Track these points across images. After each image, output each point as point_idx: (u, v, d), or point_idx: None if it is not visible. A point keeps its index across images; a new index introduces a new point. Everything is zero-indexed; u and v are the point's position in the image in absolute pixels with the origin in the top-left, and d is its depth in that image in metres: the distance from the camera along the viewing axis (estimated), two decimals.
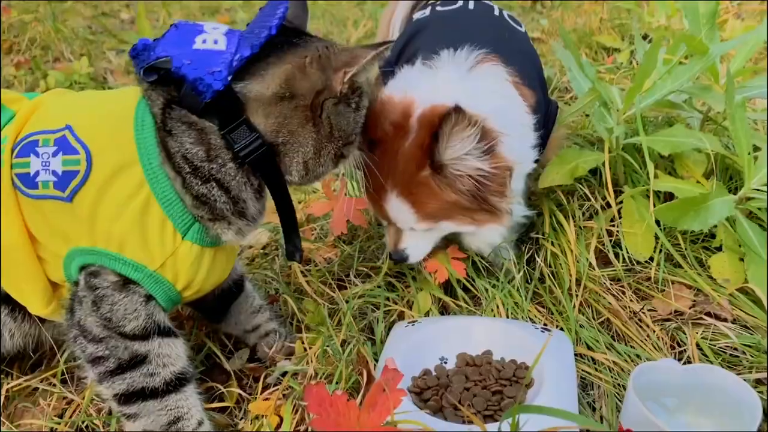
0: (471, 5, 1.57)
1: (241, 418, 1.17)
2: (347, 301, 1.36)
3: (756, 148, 1.41)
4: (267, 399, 1.16)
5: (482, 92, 1.29)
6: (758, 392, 1.05)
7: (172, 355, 1.05)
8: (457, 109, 1.12)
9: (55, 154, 0.99)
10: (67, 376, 1.25)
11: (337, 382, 1.13)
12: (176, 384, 1.05)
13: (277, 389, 1.19)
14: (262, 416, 1.11)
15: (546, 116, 1.44)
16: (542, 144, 1.42)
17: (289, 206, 1.10)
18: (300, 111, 1.01)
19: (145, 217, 0.99)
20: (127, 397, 1.03)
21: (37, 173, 0.99)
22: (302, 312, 1.38)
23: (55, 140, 1.00)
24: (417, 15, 1.64)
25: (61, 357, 1.24)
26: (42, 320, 1.16)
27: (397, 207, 1.28)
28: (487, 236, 1.39)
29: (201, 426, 1.07)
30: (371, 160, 1.21)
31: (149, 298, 1.03)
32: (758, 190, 1.36)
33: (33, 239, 1.04)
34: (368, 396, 0.89)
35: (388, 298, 1.40)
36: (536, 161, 1.44)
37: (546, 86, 1.63)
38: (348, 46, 1.08)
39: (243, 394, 1.23)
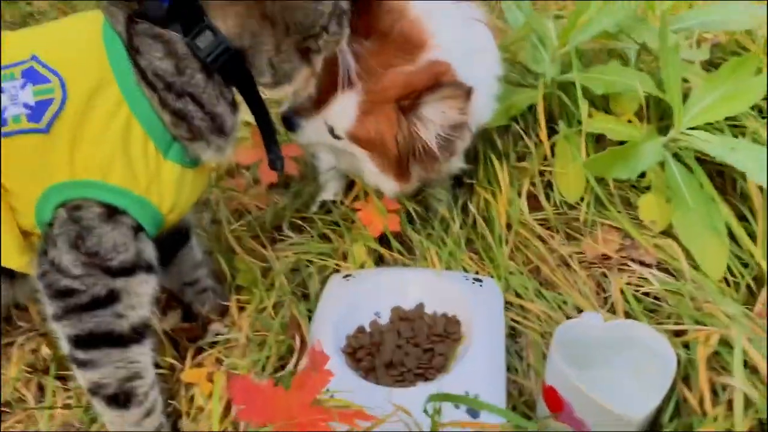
0: None
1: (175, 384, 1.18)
2: (279, 259, 1.34)
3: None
4: (199, 365, 1.16)
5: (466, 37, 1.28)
6: (681, 341, 1.11)
7: (143, 295, 1.02)
8: (469, 92, 1.13)
9: (23, 86, 0.92)
10: None
11: (269, 349, 1.13)
12: (141, 333, 1.03)
13: (210, 354, 1.19)
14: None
15: None
16: None
17: (266, 114, 1.07)
18: (253, 8, 0.97)
19: (127, 138, 0.95)
20: (88, 341, 1.00)
21: (5, 109, 0.92)
22: (234, 269, 1.36)
23: (22, 72, 0.93)
24: None
25: None
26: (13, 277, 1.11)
27: (346, 106, 1.22)
28: (381, 184, 1.34)
29: (153, 389, 1.06)
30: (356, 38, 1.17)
31: (137, 229, 1.00)
32: (686, 133, 1.37)
33: (2, 188, 0.97)
34: (295, 378, 0.90)
35: (322, 253, 1.39)
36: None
37: None
38: None
39: (175, 362, 1.23)
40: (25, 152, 0.93)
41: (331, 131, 1.27)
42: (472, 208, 1.47)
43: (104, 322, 0.99)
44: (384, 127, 1.21)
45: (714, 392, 1.02)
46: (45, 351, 1.20)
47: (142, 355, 1.03)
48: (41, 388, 1.18)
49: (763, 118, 1.45)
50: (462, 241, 1.42)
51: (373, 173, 1.30)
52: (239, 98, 1.05)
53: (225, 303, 1.30)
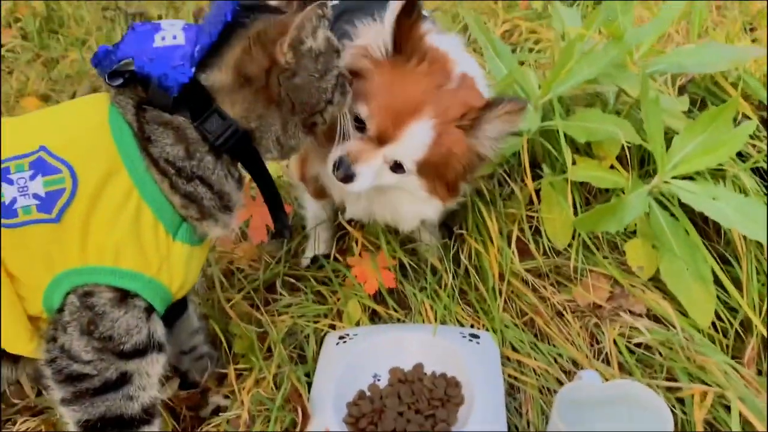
0: None
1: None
2: (275, 324, 1.34)
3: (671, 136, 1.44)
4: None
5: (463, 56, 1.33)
6: (675, 396, 1.13)
7: (154, 375, 1.03)
8: (525, 105, 1.20)
9: (33, 177, 0.92)
10: None
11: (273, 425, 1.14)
12: (151, 414, 1.04)
13: (210, 424, 1.19)
14: None
15: None
16: None
17: (272, 188, 1.11)
18: (260, 93, 1.00)
19: (137, 223, 0.96)
20: (98, 426, 0.99)
21: (14, 200, 0.91)
22: (229, 334, 1.35)
23: (30, 164, 0.93)
24: None
25: None
26: (16, 361, 1.09)
27: (420, 132, 1.19)
28: (425, 210, 1.34)
29: None
30: (394, 72, 1.20)
31: (149, 310, 1.00)
32: (669, 182, 1.40)
33: (10, 276, 0.96)
34: None
35: (317, 315, 1.39)
36: None
37: None
38: (283, 17, 1.03)
39: (176, 426, 1.23)
40: (35, 241, 0.93)
41: (396, 167, 1.23)
42: (463, 258, 1.48)
43: (115, 405, 0.99)
44: (452, 148, 1.22)
45: None
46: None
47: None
48: None
49: (743, 162, 1.49)
50: (456, 292, 1.43)
51: (419, 200, 1.30)
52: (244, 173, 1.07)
53: (223, 371, 1.30)
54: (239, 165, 1.06)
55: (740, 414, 1.03)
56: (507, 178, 1.62)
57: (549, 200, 1.53)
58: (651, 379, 1.20)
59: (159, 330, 1.03)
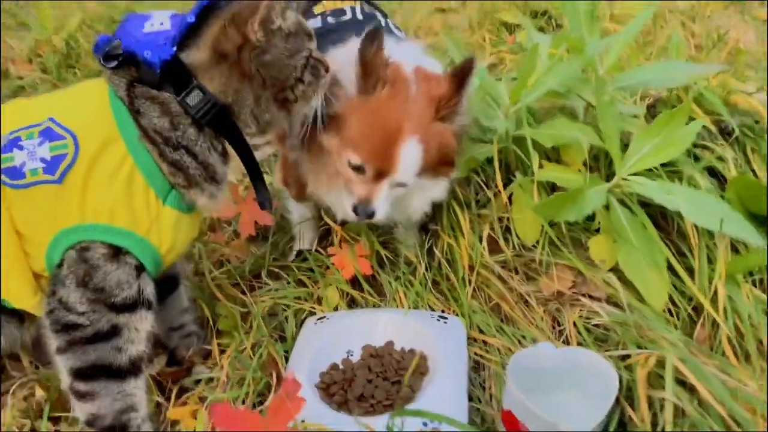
0: (359, 16, 1.63)
1: (162, 422, 1.25)
2: (257, 304, 1.44)
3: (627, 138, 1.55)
4: (184, 404, 1.24)
5: (421, 57, 1.44)
6: (625, 365, 1.21)
7: (142, 331, 1.13)
8: (474, 59, 1.31)
9: (40, 144, 1.06)
10: None
11: (248, 385, 1.22)
12: (138, 367, 1.14)
13: (194, 394, 1.27)
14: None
15: None
16: None
17: (253, 161, 1.21)
18: (234, 68, 1.12)
19: (130, 187, 1.08)
20: (89, 373, 1.10)
21: (23, 164, 1.05)
22: (216, 315, 1.45)
23: (39, 132, 1.07)
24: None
25: None
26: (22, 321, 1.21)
27: (412, 151, 1.30)
28: (434, 194, 1.48)
29: (145, 424, 1.15)
30: (366, 107, 1.30)
31: (139, 269, 1.11)
32: (627, 179, 1.50)
33: (18, 234, 1.09)
34: (270, 406, 0.99)
35: (298, 297, 1.49)
36: None
37: None
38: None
39: (161, 400, 1.31)
40: (40, 201, 1.06)
41: (401, 184, 1.36)
42: (437, 252, 1.58)
43: (105, 355, 1.10)
44: (441, 142, 1.34)
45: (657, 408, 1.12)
46: (39, 394, 1.28)
47: (137, 389, 1.13)
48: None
49: (698, 162, 1.60)
50: (428, 282, 1.53)
51: (426, 189, 1.44)
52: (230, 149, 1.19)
53: (207, 347, 1.39)
54: (224, 141, 1.17)
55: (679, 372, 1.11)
56: (482, 184, 1.73)
57: (519, 202, 1.63)
58: (605, 352, 1.27)
59: (148, 289, 1.13)
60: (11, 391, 1.30)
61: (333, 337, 1.38)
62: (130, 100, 1.09)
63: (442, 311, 1.48)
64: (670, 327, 1.35)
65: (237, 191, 1.62)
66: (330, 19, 1.63)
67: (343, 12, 1.64)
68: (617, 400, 1.13)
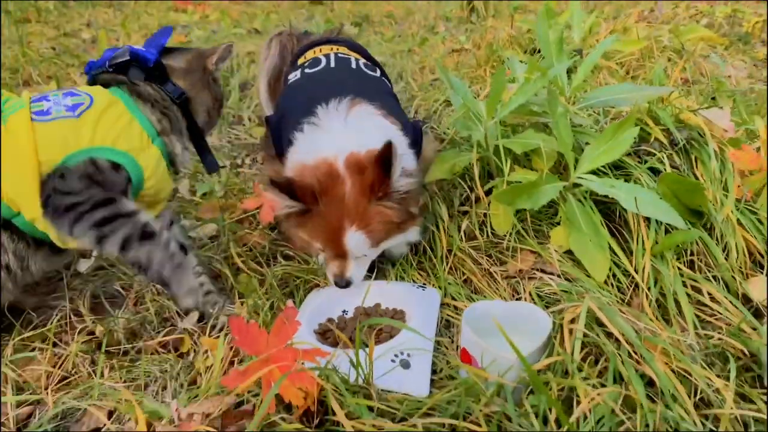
0: (332, 64, 1.98)
1: (195, 352, 1.59)
2: (272, 274, 1.78)
3: (582, 144, 1.87)
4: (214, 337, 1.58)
5: (367, 128, 1.65)
6: (559, 319, 1.50)
7: (132, 213, 1.57)
8: (392, 144, 1.47)
9: (64, 97, 1.59)
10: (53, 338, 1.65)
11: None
12: (151, 233, 1.58)
13: (219, 335, 1.60)
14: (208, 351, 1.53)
15: (415, 134, 1.82)
16: (417, 154, 1.81)
17: (200, 137, 1.84)
18: (198, 79, 1.80)
19: (130, 127, 1.61)
20: (125, 244, 1.55)
21: (49, 109, 1.54)
22: (238, 283, 1.79)
23: (63, 93, 1.61)
24: (290, 77, 2.04)
25: (53, 321, 1.64)
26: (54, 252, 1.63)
27: (356, 239, 1.57)
28: (409, 237, 1.74)
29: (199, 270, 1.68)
30: (317, 212, 1.55)
31: (128, 182, 1.59)
32: (581, 177, 1.81)
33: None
34: (274, 325, 1.31)
35: (304, 271, 1.83)
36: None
37: (404, 114, 2.00)
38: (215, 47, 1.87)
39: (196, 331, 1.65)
40: (59, 129, 1.52)
41: (364, 256, 1.66)
42: (422, 240, 1.90)
43: (119, 227, 1.54)
44: (385, 218, 1.58)
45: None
46: (99, 329, 1.63)
47: (161, 247, 1.59)
48: (93, 362, 1.59)
49: (643, 164, 1.90)
50: (414, 262, 1.85)
51: (399, 239, 1.70)
52: None
53: (231, 307, 1.73)
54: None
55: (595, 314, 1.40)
56: (466, 188, 2.06)
57: (495, 200, 1.95)
58: (547, 308, 1.57)
59: (129, 193, 1.61)
60: (76, 333, 1.65)
61: (330, 300, 1.70)
62: (128, 85, 1.69)
63: (423, 284, 1.79)
64: (608, 294, 1.64)
65: (258, 187, 1.97)
66: (307, 71, 1.98)
67: (318, 61, 1.99)
68: (551, 339, 1.42)
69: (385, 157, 1.50)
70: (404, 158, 1.61)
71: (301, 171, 1.61)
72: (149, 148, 1.62)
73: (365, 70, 2.01)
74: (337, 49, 2.07)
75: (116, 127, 1.57)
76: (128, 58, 1.68)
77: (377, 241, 1.61)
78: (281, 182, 1.53)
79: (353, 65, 2.01)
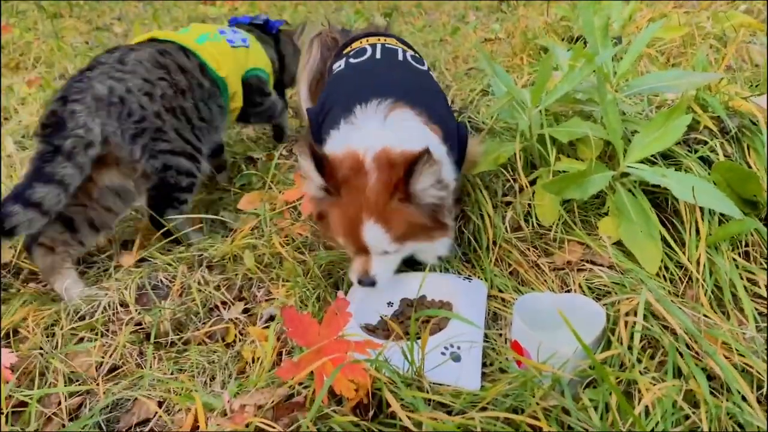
0: (378, 55, 1.94)
1: (242, 342, 1.58)
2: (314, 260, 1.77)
3: (628, 133, 1.82)
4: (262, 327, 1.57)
5: (404, 134, 1.60)
6: (614, 310, 1.46)
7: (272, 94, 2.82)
8: (428, 152, 1.42)
9: (233, 33, 2.54)
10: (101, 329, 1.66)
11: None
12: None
13: (268, 326, 1.60)
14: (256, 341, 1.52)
15: (459, 140, 1.77)
16: (459, 162, 1.77)
17: (283, 84, 2.99)
18: (289, 45, 2.93)
19: (264, 57, 2.69)
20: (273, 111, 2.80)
21: (232, 39, 2.49)
22: (282, 270, 1.79)
23: (232, 30, 2.57)
24: (335, 66, 2.00)
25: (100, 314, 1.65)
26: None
27: (374, 231, 1.52)
28: (438, 249, 1.69)
29: None
30: (339, 203, 1.53)
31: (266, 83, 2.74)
32: (631, 166, 1.77)
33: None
34: (325, 317, 1.30)
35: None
36: (456, 178, 1.75)
37: (452, 114, 1.94)
38: None
39: (239, 335, 1.64)
40: (238, 55, 2.46)
41: (388, 253, 1.59)
42: (466, 232, 1.87)
43: (275, 99, 2.82)
44: (406, 219, 1.53)
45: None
46: (147, 320, 1.63)
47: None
48: (141, 353, 1.59)
49: (693, 153, 1.85)
50: (458, 253, 1.82)
51: (429, 246, 1.65)
52: None
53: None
54: None
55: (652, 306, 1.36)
56: (510, 178, 2.02)
57: (540, 190, 1.91)
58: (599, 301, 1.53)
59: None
60: (123, 324, 1.66)
61: (376, 291, 1.68)
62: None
63: (468, 276, 1.76)
64: (661, 286, 1.59)
65: (300, 178, 1.95)
66: (352, 60, 1.94)
67: (364, 51, 1.96)
68: (605, 332, 1.38)
69: (414, 162, 1.45)
70: (443, 168, 1.56)
71: (333, 158, 1.57)
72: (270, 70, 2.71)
73: (413, 62, 1.98)
74: (385, 40, 2.04)
75: (262, 57, 2.62)
76: (261, 22, 2.81)
77: (397, 237, 1.55)
78: (318, 153, 1.51)
79: (400, 57, 1.98)
